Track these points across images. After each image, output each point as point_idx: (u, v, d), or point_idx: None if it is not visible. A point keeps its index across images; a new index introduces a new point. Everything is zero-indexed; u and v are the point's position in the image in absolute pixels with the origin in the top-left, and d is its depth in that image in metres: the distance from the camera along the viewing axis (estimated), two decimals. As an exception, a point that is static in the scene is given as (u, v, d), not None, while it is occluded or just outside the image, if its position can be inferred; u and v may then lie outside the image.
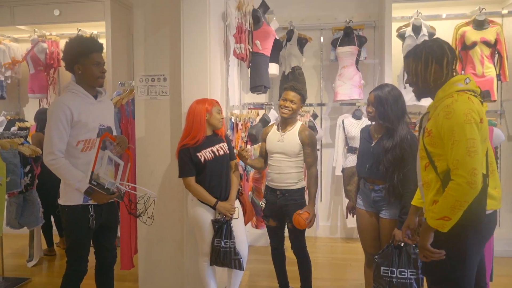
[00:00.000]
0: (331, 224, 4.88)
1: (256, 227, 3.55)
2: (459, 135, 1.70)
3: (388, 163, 2.36)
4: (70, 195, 2.28)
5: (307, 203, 2.85)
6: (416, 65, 1.88)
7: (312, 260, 2.99)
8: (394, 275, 2.30)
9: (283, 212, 2.87)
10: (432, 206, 1.82)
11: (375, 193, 2.48)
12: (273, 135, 2.89)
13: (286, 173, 2.83)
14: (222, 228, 2.64)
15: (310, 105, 4.53)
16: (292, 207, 2.82)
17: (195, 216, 2.72)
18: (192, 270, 3.06)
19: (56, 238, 4.44)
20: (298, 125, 2.88)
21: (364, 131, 2.63)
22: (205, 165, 2.65)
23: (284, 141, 2.81)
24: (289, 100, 2.79)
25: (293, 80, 4.35)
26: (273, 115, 3.97)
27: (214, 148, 2.70)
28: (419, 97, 1.98)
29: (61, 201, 2.31)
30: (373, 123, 2.55)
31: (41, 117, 4.23)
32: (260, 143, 3.43)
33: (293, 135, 2.83)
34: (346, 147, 4.50)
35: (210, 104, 2.70)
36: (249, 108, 4.03)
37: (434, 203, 1.82)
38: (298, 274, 2.97)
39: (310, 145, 2.82)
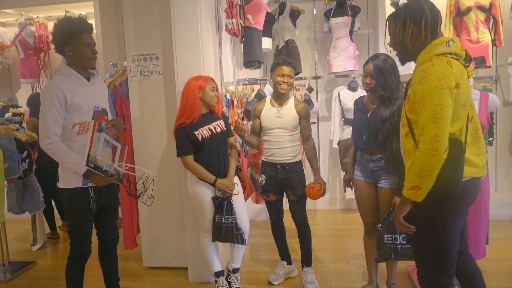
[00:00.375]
0: (330, 196, 4.93)
1: (257, 202, 3.58)
2: (428, 101, 1.65)
3: (387, 132, 2.37)
4: (69, 178, 2.28)
5: (305, 175, 2.91)
6: (395, 27, 1.83)
7: (313, 232, 3.03)
8: (398, 242, 2.32)
9: (284, 185, 2.90)
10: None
11: (373, 163, 2.50)
12: (269, 111, 2.87)
13: (287, 147, 2.84)
14: (222, 204, 2.67)
15: (305, 78, 4.50)
16: (294, 179, 2.86)
17: (194, 194, 2.74)
18: (194, 247, 3.11)
19: (58, 221, 4.50)
20: (292, 99, 2.90)
21: (358, 102, 2.61)
22: (202, 143, 2.65)
23: (283, 116, 2.81)
24: (287, 75, 2.77)
25: (287, 54, 4.29)
26: (268, 90, 3.94)
27: (211, 126, 2.70)
28: (402, 61, 1.92)
29: (60, 185, 2.32)
30: (367, 94, 2.54)
31: (34, 102, 4.19)
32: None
33: (290, 109, 2.84)
34: (343, 119, 4.50)
35: (204, 81, 2.67)
36: (244, 84, 4.00)
37: None
38: (298, 245, 3.02)
39: (306, 118, 2.85)
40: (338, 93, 4.49)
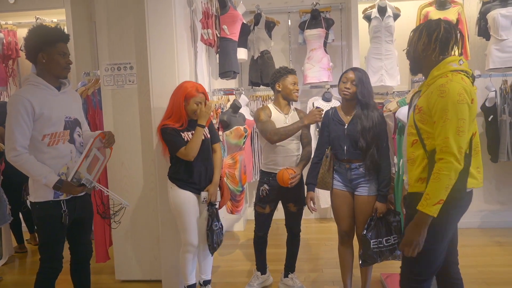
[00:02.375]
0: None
1: (231, 212, 3.56)
2: (451, 114, 1.76)
3: (370, 140, 2.44)
4: (40, 191, 2.21)
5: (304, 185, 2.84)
6: (413, 36, 2.00)
7: (284, 241, 3.05)
8: (382, 245, 2.48)
9: (286, 196, 2.86)
10: (417, 183, 1.89)
11: (352, 171, 2.54)
12: (278, 117, 2.81)
13: (291, 155, 2.83)
14: (214, 211, 2.69)
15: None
16: (298, 190, 2.83)
17: (179, 202, 2.66)
18: (169, 259, 3.06)
19: (26, 234, 4.33)
20: (293, 107, 2.93)
21: (334, 114, 2.62)
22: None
23: (291, 123, 2.78)
24: (296, 83, 2.81)
25: (262, 65, 4.35)
26: (244, 100, 3.96)
27: None
28: (413, 70, 2.06)
29: (31, 198, 2.23)
30: (342, 104, 2.59)
31: (1, 111, 4.04)
32: (233, 129, 3.42)
33: (295, 116, 2.86)
34: (317, 129, 4.55)
35: (191, 93, 2.60)
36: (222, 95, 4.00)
37: (419, 180, 1.89)
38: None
39: (307, 126, 2.81)
40: (313, 103, 4.54)
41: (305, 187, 2.86)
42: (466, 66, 1.91)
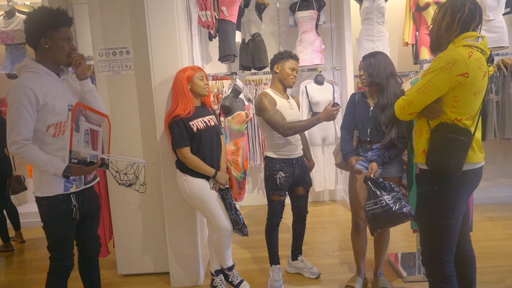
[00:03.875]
0: (297, 189, 4.95)
1: (235, 199, 3.48)
2: (427, 75, 1.85)
3: (387, 120, 2.44)
4: (48, 185, 2.04)
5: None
6: (437, 14, 1.97)
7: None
8: (377, 206, 2.38)
9: (297, 180, 2.85)
10: (421, 155, 1.95)
11: (372, 152, 2.54)
12: (282, 103, 2.74)
13: (299, 140, 2.84)
14: (230, 196, 2.70)
15: (270, 73, 4.45)
16: (307, 173, 2.92)
17: (197, 191, 2.61)
18: (177, 251, 2.97)
19: (11, 232, 4.09)
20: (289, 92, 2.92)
21: (360, 98, 2.62)
22: (197, 134, 2.56)
23: (294, 108, 2.79)
24: (296, 69, 2.74)
25: (253, 48, 4.24)
26: (240, 84, 3.86)
27: (205, 119, 2.65)
28: (433, 48, 2.05)
29: (38, 193, 2.07)
30: (367, 89, 2.58)
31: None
32: (235, 114, 3.32)
33: (294, 101, 2.87)
34: (311, 112, 4.53)
35: (191, 71, 2.60)
36: (214, 79, 3.87)
37: (424, 152, 1.94)
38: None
39: (300, 110, 2.90)
40: (306, 87, 4.51)
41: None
42: (484, 45, 1.89)
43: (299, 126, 2.64)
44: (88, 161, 2.08)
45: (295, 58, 2.76)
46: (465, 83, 1.80)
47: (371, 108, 2.53)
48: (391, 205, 2.35)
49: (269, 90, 2.79)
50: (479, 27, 1.95)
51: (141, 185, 2.38)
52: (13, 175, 3.93)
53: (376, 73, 2.46)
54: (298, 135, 2.82)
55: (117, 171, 2.33)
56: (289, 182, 2.81)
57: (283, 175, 2.76)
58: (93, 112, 2.20)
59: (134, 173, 2.32)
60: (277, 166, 2.78)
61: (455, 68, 1.77)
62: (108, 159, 2.22)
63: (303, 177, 2.88)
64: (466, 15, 1.88)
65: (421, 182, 2.03)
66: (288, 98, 2.83)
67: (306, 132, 4.40)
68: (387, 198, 2.37)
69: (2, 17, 4.54)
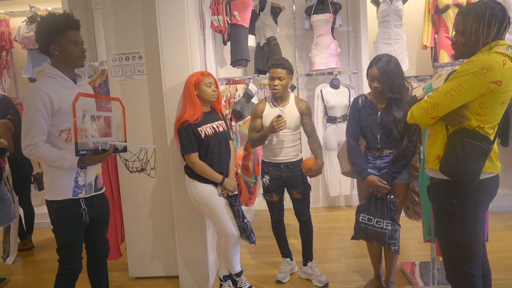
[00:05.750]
0: (313, 194, 4.90)
1: (246, 204, 3.47)
2: (457, 79, 1.75)
3: (402, 130, 2.37)
4: (58, 188, 2.08)
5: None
6: (477, 25, 1.77)
7: (294, 232, 3.01)
8: (371, 223, 2.45)
9: (288, 184, 2.88)
10: (435, 160, 1.88)
11: (381, 160, 2.48)
12: (271, 112, 2.79)
13: (289, 146, 2.83)
14: (238, 203, 2.69)
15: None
16: (299, 178, 2.87)
17: (205, 196, 2.62)
18: (186, 255, 2.98)
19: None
20: (292, 97, 2.86)
21: (364, 102, 2.53)
22: (205, 140, 2.57)
23: (286, 116, 2.74)
24: (277, 77, 2.70)
25: (268, 52, 4.22)
26: (253, 89, 3.85)
27: (214, 125, 2.64)
28: (460, 57, 1.92)
29: (48, 196, 2.10)
30: (373, 94, 2.50)
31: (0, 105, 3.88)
32: (246, 119, 3.32)
33: (291, 108, 2.81)
34: (326, 117, 4.48)
35: (199, 77, 2.59)
36: (227, 83, 3.88)
37: (437, 158, 1.87)
38: (295, 245, 2.97)
39: (308, 114, 2.83)
40: (321, 90, 4.46)
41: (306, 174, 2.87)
42: None
43: (252, 138, 2.82)
44: (100, 149, 2.08)
45: (274, 66, 2.73)
46: (496, 91, 1.72)
47: (379, 113, 2.45)
48: (386, 233, 2.41)
49: (268, 97, 2.88)
50: (507, 30, 1.84)
51: (152, 169, 2.38)
52: (38, 172, 4.07)
53: (396, 86, 2.35)
54: (289, 142, 2.81)
55: (126, 160, 2.33)
56: (276, 185, 2.88)
57: (268, 178, 2.87)
58: (101, 100, 2.22)
59: (145, 156, 2.31)
60: (265, 169, 2.91)
61: (489, 74, 1.69)
62: (122, 146, 2.21)
63: (294, 181, 2.86)
64: (500, 18, 1.77)
65: (437, 195, 1.95)
66: (283, 106, 2.80)
67: (321, 137, 4.40)
68: (385, 224, 2.42)
69: (24, 23, 4.69)
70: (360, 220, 2.44)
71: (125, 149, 2.23)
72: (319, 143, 2.86)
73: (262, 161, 2.95)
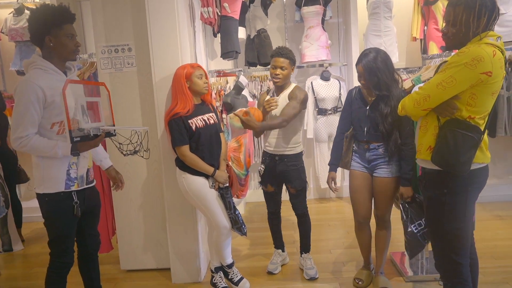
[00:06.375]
0: (303, 186, 4.92)
1: (237, 196, 3.49)
2: (449, 70, 1.75)
3: (388, 126, 2.37)
4: (49, 181, 2.06)
5: (305, 168, 2.91)
6: (467, 15, 1.78)
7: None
8: (422, 227, 2.36)
9: (282, 178, 2.87)
10: (426, 151, 1.90)
11: (370, 152, 2.49)
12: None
13: (282, 137, 2.80)
14: (227, 198, 2.68)
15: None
16: (293, 173, 2.81)
17: (196, 189, 2.62)
18: (177, 247, 2.99)
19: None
20: (291, 87, 2.81)
21: (356, 93, 2.54)
22: (195, 132, 2.57)
23: (279, 105, 2.73)
24: (279, 67, 2.69)
25: (259, 44, 4.22)
26: (244, 81, 3.85)
27: (205, 117, 2.64)
28: (450, 48, 1.93)
29: (38, 190, 2.09)
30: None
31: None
32: (239, 110, 3.32)
33: (283, 97, 2.77)
34: (316, 109, 4.49)
35: (190, 69, 2.58)
36: (217, 76, 3.87)
37: (429, 148, 1.89)
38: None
39: (294, 99, 2.70)
40: (311, 83, 4.47)
41: (304, 168, 2.90)
42: (502, 45, 1.83)
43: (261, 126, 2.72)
44: (92, 134, 2.07)
45: (277, 55, 2.72)
46: (486, 82, 1.74)
47: (368, 106, 2.46)
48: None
49: (272, 89, 2.89)
50: (497, 20, 1.84)
51: (145, 151, 2.36)
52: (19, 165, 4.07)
53: (383, 83, 2.33)
54: (279, 131, 2.78)
55: (120, 143, 2.32)
56: (270, 175, 2.88)
57: (263, 167, 2.90)
58: (87, 85, 2.21)
59: (137, 139, 2.28)
60: (263, 158, 2.94)
61: (480, 65, 1.70)
62: (114, 130, 2.21)
63: (288, 176, 2.83)
64: (490, 9, 1.78)
65: (428, 185, 1.98)
66: (279, 95, 2.78)
67: (312, 129, 4.41)
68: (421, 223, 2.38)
69: (11, 14, 4.62)
70: (415, 232, 2.34)
71: (113, 134, 2.21)
72: (279, 124, 2.62)
73: (263, 150, 2.97)
